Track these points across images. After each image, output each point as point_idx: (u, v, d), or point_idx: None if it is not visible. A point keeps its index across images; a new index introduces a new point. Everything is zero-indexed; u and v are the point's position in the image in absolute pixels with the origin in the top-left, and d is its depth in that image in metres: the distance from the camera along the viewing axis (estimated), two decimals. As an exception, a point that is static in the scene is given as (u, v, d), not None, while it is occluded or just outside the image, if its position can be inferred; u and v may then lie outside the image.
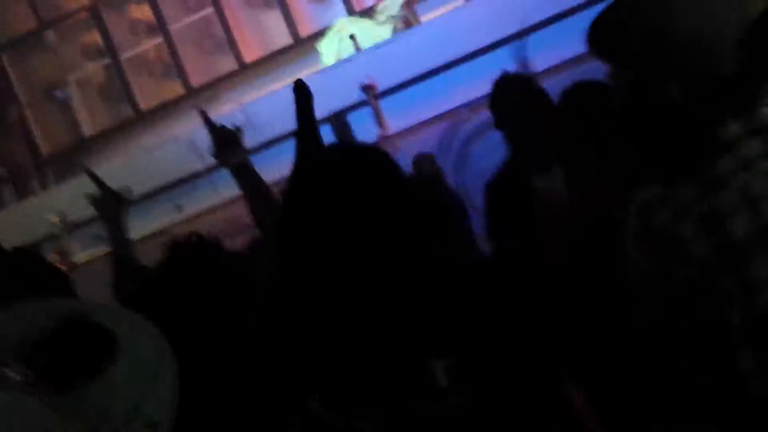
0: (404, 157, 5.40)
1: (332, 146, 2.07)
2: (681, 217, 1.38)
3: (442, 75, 6.64)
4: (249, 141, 7.22)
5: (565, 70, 4.36)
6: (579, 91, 2.99)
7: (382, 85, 6.75)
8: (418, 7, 8.59)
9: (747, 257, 1.31)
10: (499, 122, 3.55)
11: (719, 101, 1.38)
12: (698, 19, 1.37)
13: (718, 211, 1.34)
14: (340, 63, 7.81)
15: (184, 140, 7.27)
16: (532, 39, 6.44)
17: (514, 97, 3.70)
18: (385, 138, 6.69)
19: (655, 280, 1.40)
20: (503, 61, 6.21)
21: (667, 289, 1.39)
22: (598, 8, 1.44)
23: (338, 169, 1.64)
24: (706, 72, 1.37)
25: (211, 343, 1.74)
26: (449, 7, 8.89)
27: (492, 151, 4.67)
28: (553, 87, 3.18)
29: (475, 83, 6.21)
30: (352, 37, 8.46)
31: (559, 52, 6.06)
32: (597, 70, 1.78)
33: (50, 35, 11.56)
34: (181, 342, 1.26)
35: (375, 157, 1.65)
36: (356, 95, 6.76)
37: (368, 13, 9.44)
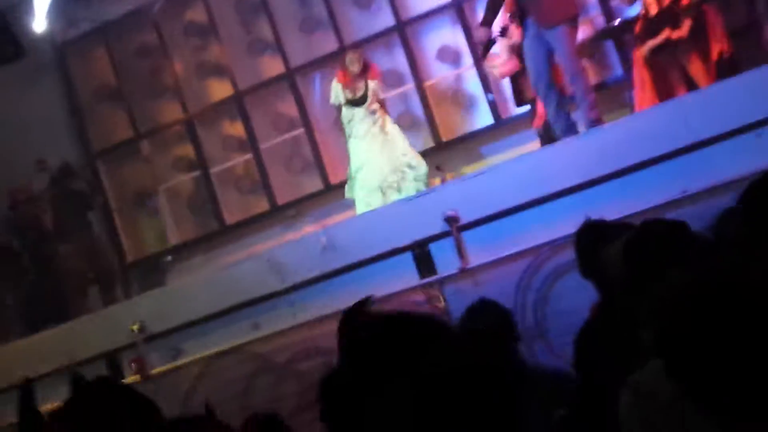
0: (485, 292, 5.37)
1: None
2: None
3: (527, 212, 6.64)
4: (330, 263, 7.22)
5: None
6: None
7: (465, 218, 6.77)
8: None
9: None
10: (587, 272, 3.48)
11: None
12: None
13: None
14: (424, 193, 7.88)
15: (265, 257, 7.35)
16: (612, 185, 6.46)
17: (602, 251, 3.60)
18: (465, 271, 6.68)
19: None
20: (587, 203, 6.20)
21: None
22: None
23: None
24: None
25: None
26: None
27: (573, 291, 4.61)
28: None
29: (559, 223, 6.19)
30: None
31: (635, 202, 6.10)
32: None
33: (145, 145, 11.92)
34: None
35: None
36: (439, 226, 6.79)
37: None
